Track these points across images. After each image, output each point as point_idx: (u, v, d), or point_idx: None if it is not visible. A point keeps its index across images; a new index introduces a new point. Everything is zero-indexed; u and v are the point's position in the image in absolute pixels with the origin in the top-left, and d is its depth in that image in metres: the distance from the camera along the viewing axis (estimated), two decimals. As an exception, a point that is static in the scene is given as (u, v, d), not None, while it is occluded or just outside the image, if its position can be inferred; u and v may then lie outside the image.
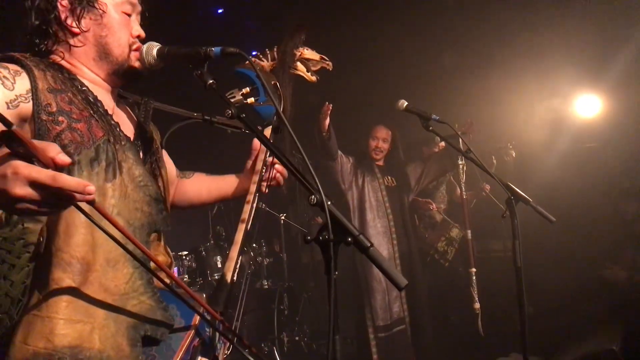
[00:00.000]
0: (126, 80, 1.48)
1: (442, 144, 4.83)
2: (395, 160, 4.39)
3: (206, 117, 1.32)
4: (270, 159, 1.69)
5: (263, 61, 1.76)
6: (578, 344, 3.77)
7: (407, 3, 5.84)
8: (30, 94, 1.23)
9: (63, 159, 0.87)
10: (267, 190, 1.68)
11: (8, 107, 1.19)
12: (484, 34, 5.77)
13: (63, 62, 1.38)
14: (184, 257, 4.24)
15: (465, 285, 4.16)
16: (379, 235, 4.09)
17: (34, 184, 0.85)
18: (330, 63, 1.84)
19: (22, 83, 1.23)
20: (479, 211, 5.09)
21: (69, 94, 1.30)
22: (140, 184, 1.37)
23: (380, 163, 4.33)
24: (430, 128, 2.62)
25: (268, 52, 1.78)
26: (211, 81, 1.26)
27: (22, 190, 0.85)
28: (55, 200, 0.88)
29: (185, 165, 1.86)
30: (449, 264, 5.07)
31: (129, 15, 1.44)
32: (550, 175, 5.40)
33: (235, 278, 1.60)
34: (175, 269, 4.20)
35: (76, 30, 1.37)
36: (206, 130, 1.66)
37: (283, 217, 5.37)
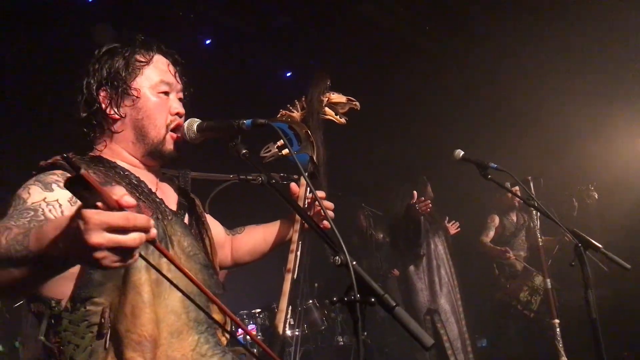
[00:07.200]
0: (159, 162, 1.54)
1: (517, 188, 4.70)
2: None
3: (241, 177, 1.40)
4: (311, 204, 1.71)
5: (293, 112, 1.82)
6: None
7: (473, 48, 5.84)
8: None
9: (129, 200, 0.84)
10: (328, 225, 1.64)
11: (71, 204, 1.27)
12: (558, 73, 5.62)
13: (102, 153, 1.47)
14: (257, 315, 4.30)
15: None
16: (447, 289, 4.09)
17: (108, 228, 0.82)
18: (357, 103, 1.86)
19: None
20: (565, 255, 4.81)
21: (113, 184, 1.34)
22: (191, 254, 1.44)
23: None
24: (489, 177, 2.57)
25: (297, 102, 1.84)
26: (244, 151, 1.36)
27: (97, 238, 0.81)
28: (129, 245, 0.84)
29: (233, 225, 1.89)
30: (534, 314, 4.81)
31: (167, 93, 1.51)
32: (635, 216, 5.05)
33: (287, 329, 1.62)
34: (250, 327, 4.28)
35: (115, 116, 1.45)
36: (244, 188, 1.71)
37: None
